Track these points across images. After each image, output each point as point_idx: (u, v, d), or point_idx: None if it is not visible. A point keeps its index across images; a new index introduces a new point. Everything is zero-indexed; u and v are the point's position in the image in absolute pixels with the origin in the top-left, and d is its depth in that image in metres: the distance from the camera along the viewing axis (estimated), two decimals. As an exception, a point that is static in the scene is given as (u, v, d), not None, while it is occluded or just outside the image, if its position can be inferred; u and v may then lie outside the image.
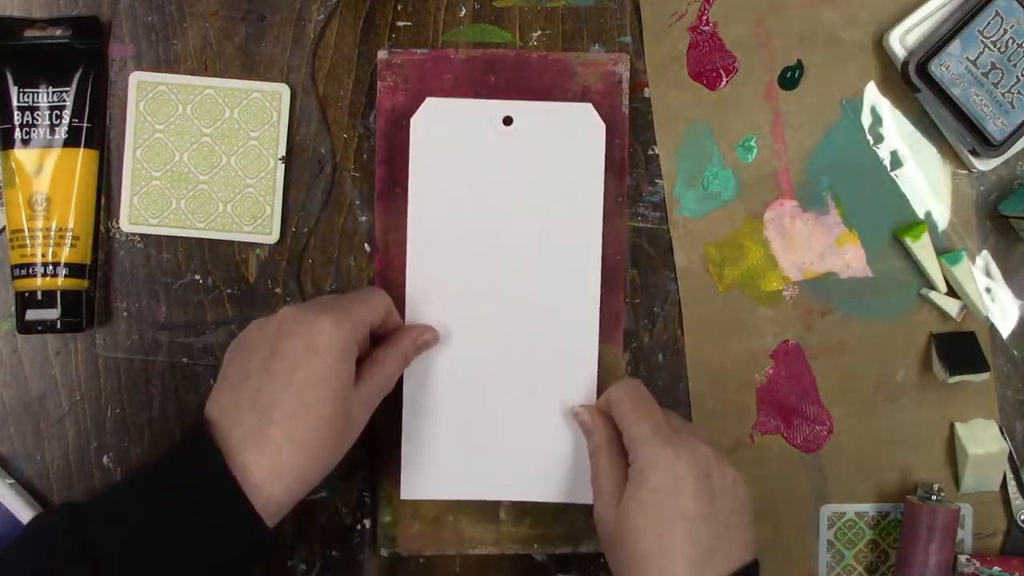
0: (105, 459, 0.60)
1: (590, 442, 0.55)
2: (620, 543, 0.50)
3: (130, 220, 0.59)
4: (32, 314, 0.57)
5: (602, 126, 0.58)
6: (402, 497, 0.59)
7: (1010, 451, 0.60)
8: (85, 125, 0.57)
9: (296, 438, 0.47)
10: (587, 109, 0.58)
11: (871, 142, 0.60)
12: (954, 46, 0.56)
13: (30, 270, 0.57)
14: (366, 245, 0.60)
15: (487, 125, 0.58)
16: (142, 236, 0.59)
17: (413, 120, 0.58)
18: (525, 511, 0.60)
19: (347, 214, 0.60)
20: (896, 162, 0.60)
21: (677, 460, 0.50)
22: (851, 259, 0.60)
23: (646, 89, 0.60)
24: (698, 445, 0.51)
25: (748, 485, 0.52)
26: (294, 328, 0.49)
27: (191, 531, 0.46)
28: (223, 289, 0.60)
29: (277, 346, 0.49)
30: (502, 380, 0.59)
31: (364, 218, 0.60)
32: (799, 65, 0.60)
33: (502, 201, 0.59)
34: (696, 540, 0.49)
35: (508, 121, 0.58)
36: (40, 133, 0.57)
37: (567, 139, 0.58)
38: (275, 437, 0.47)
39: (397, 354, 0.54)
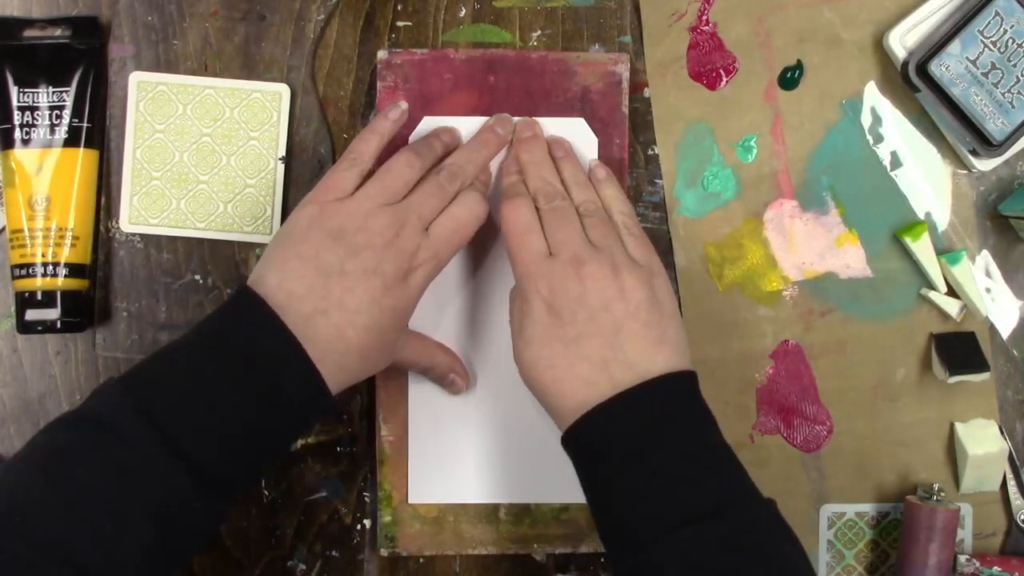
0: (105, 459, 0.60)
1: None
2: (529, 379, 0.51)
3: (130, 220, 0.59)
4: (32, 314, 0.57)
5: (594, 140, 0.59)
6: (410, 501, 0.59)
7: (1010, 451, 0.60)
8: (85, 125, 0.57)
9: (360, 327, 0.49)
10: (580, 123, 0.59)
11: (871, 142, 0.60)
12: (954, 46, 0.56)
13: (30, 270, 0.57)
14: (366, 245, 0.60)
15: None
16: (142, 236, 0.59)
17: (411, 138, 0.58)
18: (525, 511, 0.60)
19: (347, 214, 0.60)
20: (896, 162, 0.60)
21: (537, 291, 0.50)
22: (851, 259, 0.60)
23: (646, 89, 0.60)
24: (566, 268, 0.50)
25: (648, 287, 0.50)
26: (379, 235, 0.50)
27: (257, 407, 0.46)
28: (223, 289, 0.60)
29: (356, 246, 0.49)
30: (505, 383, 0.59)
31: (364, 218, 0.60)
32: (799, 65, 0.60)
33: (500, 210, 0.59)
34: (585, 356, 0.49)
35: None
36: (40, 133, 0.57)
37: None
38: (341, 325, 0.48)
39: (427, 359, 0.56)
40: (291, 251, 0.49)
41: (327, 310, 0.48)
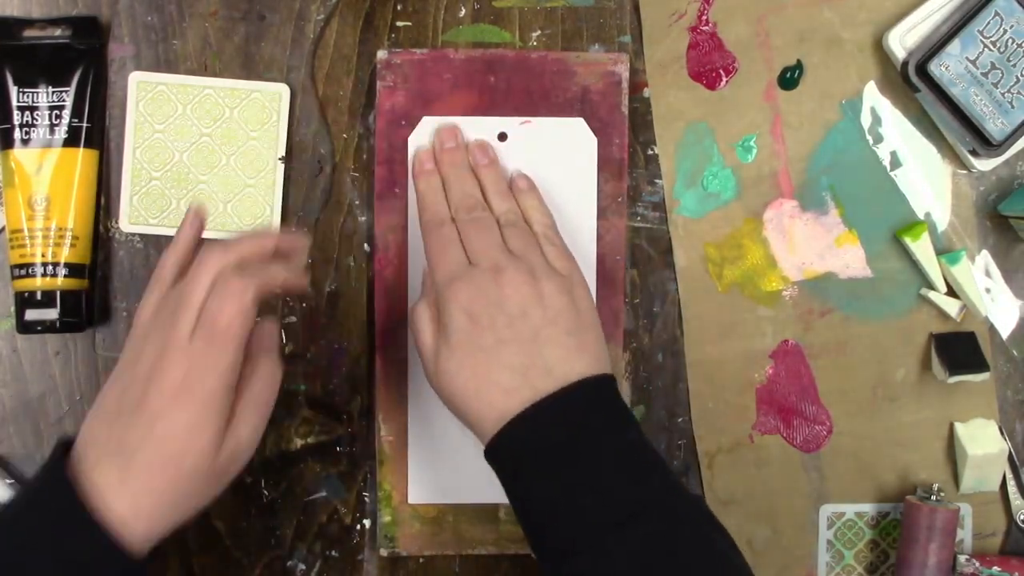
0: (105, 459, 0.60)
1: None
2: (449, 393, 0.50)
3: (130, 220, 0.59)
4: (32, 314, 0.57)
5: (594, 140, 0.59)
6: (410, 501, 0.59)
7: (1010, 451, 0.60)
8: (85, 125, 0.57)
9: (156, 488, 0.45)
10: (579, 123, 0.59)
11: (871, 142, 0.60)
12: (954, 46, 0.56)
13: (30, 270, 0.57)
14: (365, 245, 0.60)
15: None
16: (142, 236, 0.59)
17: (411, 138, 0.58)
18: (525, 511, 0.60)
19: (346, 214, 0.60)
20: (896, 162, 0.60)
21: (456, 299, 0.49)
22: (851, 259, 0.60)
23: (646, 89, 0.60)
24: (485, 275, 0.49)
25: (568, 295, 0.50)
26: (170, 363, 0.45)
27: (52, 568, 0.43)
28: (223, 289, 0.60)
29: (149, 384, 0.45)
30: None
31: (363, 218, 0.60)
32: (799, 65, 0.60)
33: None
34: (505, 364, 0.48)
35: (503, 137, 0.59)
36: (40, 133, 0.57)
37: (560, 152, 0.59)
38: (134, 487, 0.44)
39: (265, 386, 0.48)
40: (92, 412, 0.47)
41: (110, 460, 0.45)
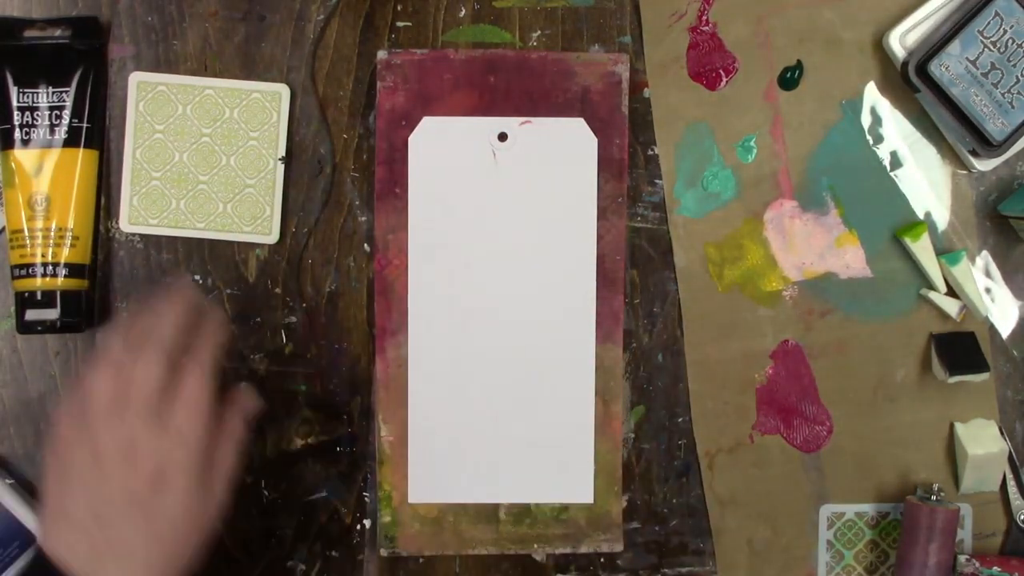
0: (105, 459, 0.60)
1: None
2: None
3: (130, 220, 0.59)
4: (32, 314, 0.57)
5: (594, 140, 0.59)
6: (410, 501, 0.59)
7: (1010, 451, 0.60)
8: (85, 125, 0.57)
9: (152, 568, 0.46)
10: (579, 123, 0.59)
11: (871, 142, 0.60)
12: (954, 46, 0.56)
13: (30, 270, 0.57)
14: (365, 245, 0.60)
15: (484, 141, 0.59)
16: (142, 236, 0.59)
17: (411, 138, 0.59)
18: (525, 511, 0.60)
19: (347, 214, 0.60)
20: (896, 162, 0.60)
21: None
22: (851, 259, 0.60)
23: (646, 89, 0.60)
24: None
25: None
26: (135, 453, 0.46)
27: None
28: (223, 289, 0.60)
29: (122, 476, 0.45)
30: (503, 383, 0.59)
31: (364, 218, 0.60)
32: (799, 65, 0.60)
33: (500, 211, 0.59)
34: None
35: (503, 137, 0.59)
36: (40, 133, 0.57)
37: (560, 152, 0.59)
38: None
39: (231, 444, 0.49)
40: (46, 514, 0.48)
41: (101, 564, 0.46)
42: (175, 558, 0.46)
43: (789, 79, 0.60)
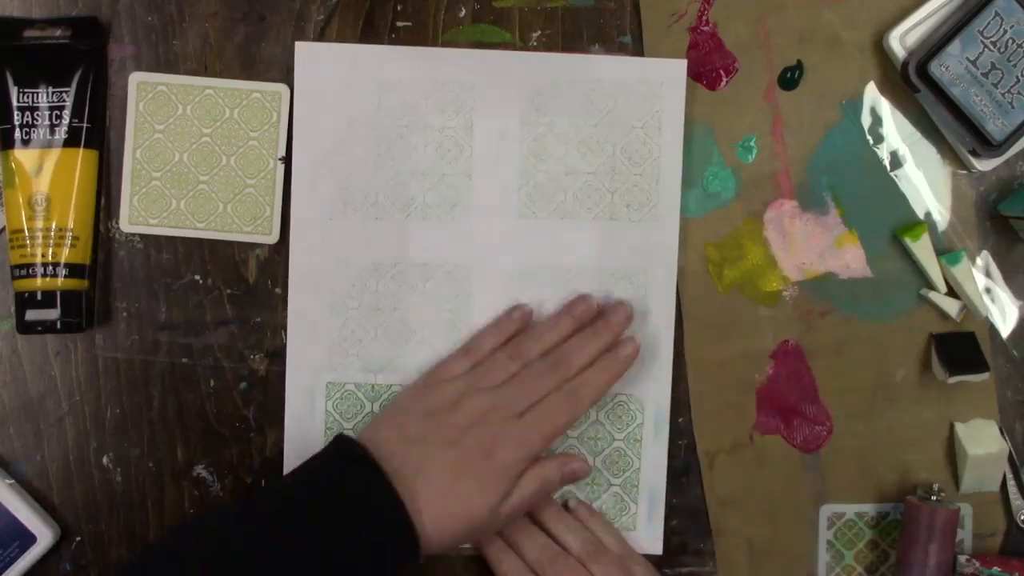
0: (105, 459, 0.60)
1: None
2: None
3: (130, 220, 0.59)
4: (32, 314, 0.57)
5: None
6: None
7: (1010, 451, 0.60)
8: (85, 125, 0.57)
9: (450, 531, 0.51)
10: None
11: (871, 142, 0.60)
12: (954, 46, 0.56)
13: (30, 270, 0.57)
14: (366, 245, 0.60)
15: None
16: (142, 236, 0.59)
17: None
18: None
19: (347, 214, 0.60)
20: (896, 162, 0.60)
21: None
22: (851, 259, 0.60)
23: (646, 89, 0.60)
24: None
25: None
26: (466, 415, 0.53)
27: (358, 544, 0.49)
28: (223, 289, 0.60)
29: (442, 422, 0.53)
30: None
31: (364, 218, 0.60)
32: (799, 65, 0.60)
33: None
34: None
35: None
36: (40, 133, 0.57)
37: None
38: (414, 489, 0.50)
39: (538, 478, 0.54)
40: (389, 419, 0.54)
41: (405, 475, 0.50)
42: (454, 517, 0.51)
43: (789, 79, 0.60)
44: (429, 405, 0.54)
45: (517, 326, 0.57)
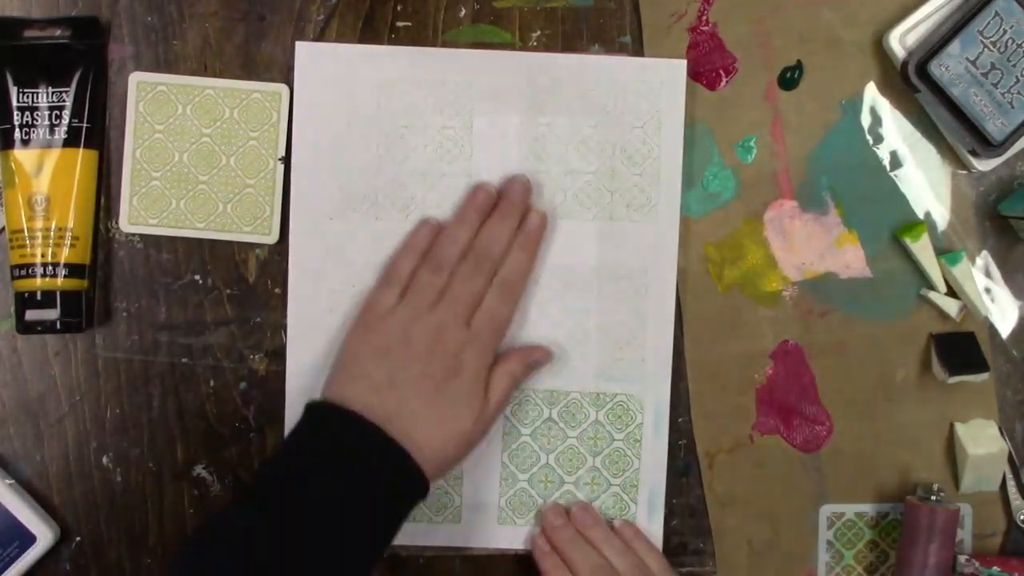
0: (104, 459, 0.60)
1: None
2: None
3: (130, 220, 0.59)
4: (32, 314, 0.57)
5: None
6: None
7: (1010, 451, 0.60)
8: (85, 125, 0.57)
9: (445, 455, 0.53)
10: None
11: (871, 142, 0.60)
12: (954, 46, 0.56)
13: (30, 270, 0.57)
14: (366, 245, 0.60)
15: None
16: (142, 236, 0.59)
17: None
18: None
19: (347, 214, 0.60)
20: (896, 162, 0.60)
21: None
22: (851, 259, 0.60)
23: (646, 89, 0.60)
24: None
25: None
26: (420, 343, 0.53)
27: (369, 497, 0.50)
28: (223, 289, 0.60)
29: (401, 359, 0.53)
30: None
31: (364, 218, 0.60)
32: (799, 65, 0.60)
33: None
34: None
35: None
36: (40, 133, 0.57)
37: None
38: (406, 430, 0.51)
39: (507, 375, 0.56)
40: (345, 374, 0.54)
41: (388, 419, 0.51)
42: (448, 439, 0.53)
43: (789, 79, 0.60)
44: (380, 345, 0.54)
45: (427, 239, 0.57)
